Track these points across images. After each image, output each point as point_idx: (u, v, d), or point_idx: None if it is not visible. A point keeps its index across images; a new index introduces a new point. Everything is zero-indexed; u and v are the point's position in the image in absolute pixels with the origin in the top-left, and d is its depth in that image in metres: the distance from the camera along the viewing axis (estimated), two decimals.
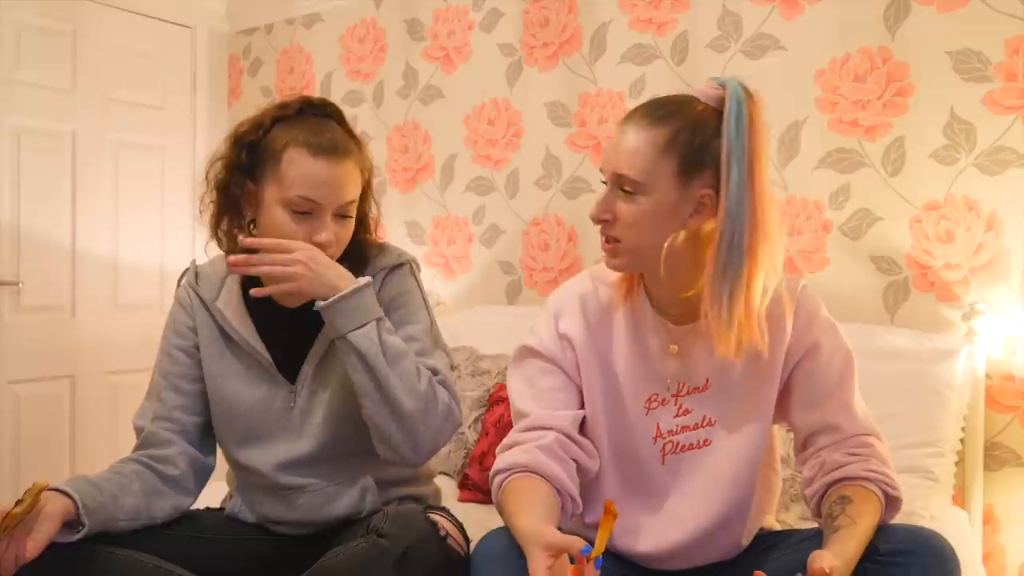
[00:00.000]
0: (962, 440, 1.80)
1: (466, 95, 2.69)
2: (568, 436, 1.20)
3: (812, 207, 2.06)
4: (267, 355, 1.32)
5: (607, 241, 1.17)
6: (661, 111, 1.14)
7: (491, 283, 2.64)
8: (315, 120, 1.29)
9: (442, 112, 2.75)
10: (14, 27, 2.69)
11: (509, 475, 1.16)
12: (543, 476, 1.15)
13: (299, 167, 1.23)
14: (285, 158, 1.24)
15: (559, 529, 1.03)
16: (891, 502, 1.12)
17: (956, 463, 1.78)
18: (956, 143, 1.88)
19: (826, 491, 1.15)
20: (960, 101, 1.87)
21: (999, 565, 1.86)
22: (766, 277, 1.12)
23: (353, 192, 1.28)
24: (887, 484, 1.12)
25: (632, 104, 1.90)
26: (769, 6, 2.12)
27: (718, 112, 1.11)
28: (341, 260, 1.31)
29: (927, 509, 1.63)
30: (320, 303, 1.20)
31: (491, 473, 1.20)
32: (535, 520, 1.03)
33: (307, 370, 1.32)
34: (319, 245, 1.24)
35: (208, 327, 1.35)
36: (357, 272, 1.30)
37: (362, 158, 1.32)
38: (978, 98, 1.85)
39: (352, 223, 1.31)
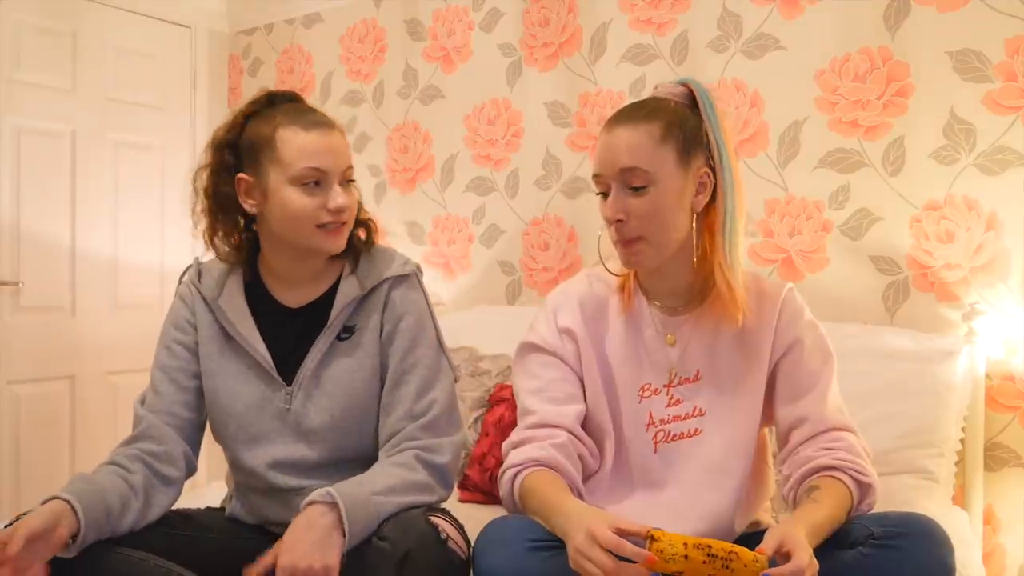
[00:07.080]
0: (962, 440, 1.80)
1: (466, 95, 2.69)
2: (575, 435, 1.25)
3: (812, 207, 2.06)
4: (267, 355, 1.33)
5: (628, 243, 1.21)
6: (644, 110, 1.22)
7: (491, 283, 2.64)
8: (288, 104, 1.34)
9: (442, 112, 2.75)
10: (14, 27, 2.69)
11: (523, 469, 1.20)
12: (560, 473, 1.20)
13: (296, 142, 1.27)
14: (279, 139, 1.27)
15: None
16: (863, 488, 1.15)
17: (956, 463, 1.78)
18: (956, 143, 1.88)
19: (799, 486, 1.18)
20: (960, 101, 1.87)
21: (999, 565, 1.86)
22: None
23: (349, 158, 1.33)
24: (855, 471, 1.15)
25: None
26: (769, 6, 2.12)
27: (689, 105, 1.23)
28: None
29: (927, 509, 1.61)
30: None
31: (503, 468, 1.24)
32: (584, 504, 1.09)
33: (305, 372, 1.32)
34: (337, 211, 1.27)
35: (208, 325, 1.36)
36: (361, 269, 1.33)
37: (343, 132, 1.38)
38: (978, 98, 1.85)
39: (356, 192, 1.34)
